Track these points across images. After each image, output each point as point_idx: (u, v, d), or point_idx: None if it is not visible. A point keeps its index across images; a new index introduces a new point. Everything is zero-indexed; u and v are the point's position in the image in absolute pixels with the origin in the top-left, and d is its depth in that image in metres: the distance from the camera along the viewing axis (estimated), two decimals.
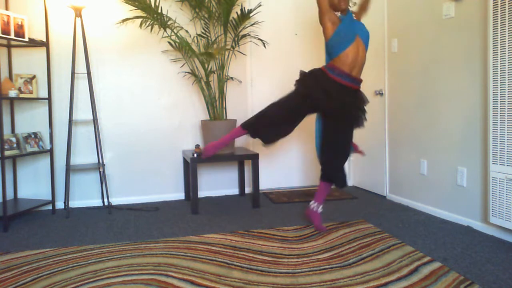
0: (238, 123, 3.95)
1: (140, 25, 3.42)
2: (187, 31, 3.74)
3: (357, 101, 2.75)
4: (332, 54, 2.68)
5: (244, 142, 4.07)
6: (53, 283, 2.04)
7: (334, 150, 2.78)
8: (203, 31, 3.65)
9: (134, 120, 3.77)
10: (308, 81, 2.74)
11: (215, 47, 3.58)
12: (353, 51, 2.62)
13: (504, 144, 2.48)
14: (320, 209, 2.84)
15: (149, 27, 3.42)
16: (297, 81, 2.80)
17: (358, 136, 4.17)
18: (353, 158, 4.31)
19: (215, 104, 3.63)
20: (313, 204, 2.86)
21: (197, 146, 3.54)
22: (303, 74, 2.80)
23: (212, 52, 3.35)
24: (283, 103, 2.78)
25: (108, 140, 3.71)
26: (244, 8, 3.54)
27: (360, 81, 2.74)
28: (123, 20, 3.39)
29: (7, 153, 3.11)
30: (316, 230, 2.80)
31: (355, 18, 2.78)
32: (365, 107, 2.82)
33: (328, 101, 2.64)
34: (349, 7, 2.74)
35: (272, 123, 2.78)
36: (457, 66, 2.91)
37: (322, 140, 2.83)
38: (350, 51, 2.62)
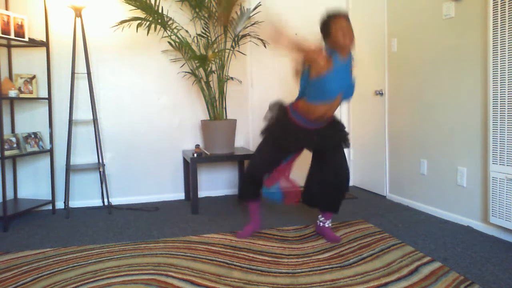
0: (238, 123, 3.97)
1: (137, 28, 3.41)
2: (187, 31, 3.74)
3: (329, 132, 2.54)
4: (304, 93, 2.44)
5: (244, 142, 4.07)
6: (53, 283, 2.04)
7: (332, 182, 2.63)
8: (203, 31, 3.65)
9: (134, 120, 3.77)
10: (276, 134, 2.56)
11: (210, 52, 3.57)
12: (326, 108, 2.38)
13: (504, 144, 2.48)
14: (328, 224, 2.69)
15: (149, 28, 3.41)
16: (263, 133, 2.64)
17: (358, 135, 4.17)
18: (353, 158, 4.31)
19: (215, 104, 3.63)
20: (320, 219, 2.70)
21: (197, 146, 3.54)
22: (268, 126, 2.62)
23: (208, 56, 3.33)
24: (261, 161, 2.64)
25: (108, 140, 3.71)
26: (243, 7, 3.54)
27: (330, 118, 2.53)
28: (121, 22, 3.38)
29: (7, 153, 3.11)
30: (332, 242, 2.60)
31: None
32: (343, 130, 2.62)
33: (297, 143, 2.52)
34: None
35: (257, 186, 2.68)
36: (457, 66, 2.91)
37: (317, 176, 2.70)
38: (323, 107, 2.37)
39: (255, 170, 2.67)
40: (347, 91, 2.44)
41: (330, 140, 2.56)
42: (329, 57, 2.31)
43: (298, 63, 2.45)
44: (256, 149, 2.74)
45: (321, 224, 2.70)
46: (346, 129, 2.67)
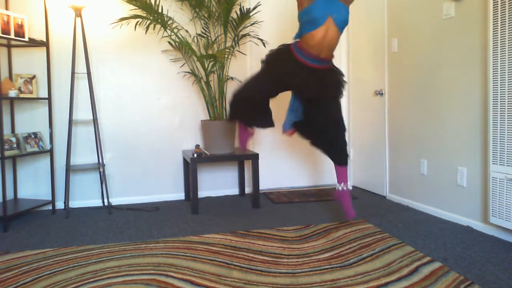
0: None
1: (135, 26, 3.41)
2: (187, 31, 3.74)
3: (327, 80, 2.69)
4: (300, 31, 2.63)
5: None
6: (53, 283, 2.04)
7: (325, 133, 2.79)
8: (203, 30, 3.65)
9: (134, 120, 3.77)
10: (275, 65, 2.70)
11: (216, 50, 3.58)
12: (320, 33, 2.52)
13: (504, 144, 2.49)
14: (345, 188, 2.79)
15: (147, 27, 3.41)
16: (264, 62, 2.76)
17: (358, 135, 4.17)
18: (353, 158, 4.32)
19: (215, 104, 3.63)
20: (339, 186, 2.82)
21: (197, 146, 3.54)
22: (269, 55, 2.76)
23: (216, 54, 3.34)
24: (253, 86, 2.79)
25: (108, 140, 3.71)
26: (243, 7, 3.54)
27: (330, 59, 2.67)
28: (120, 20, 3.38)
29: (7, 153, 3.11)
30: (347, 213, 2.73)
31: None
32: (342, 81, 2.77)
33: (298, 85, 2.64)
34: None
35: (248, 107, 2.86)
36: (457, 66, 2.91)
37: (311, 127, 2.86)
38: (317, 32, 2.51)
39: (246, 93, 2.81)
40: (338, 14, 2.52)
41: (326, 89, 2.67)
42: None
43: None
44: (251, 76, 2.85)
45: (340, 188, 2.80)
46: (345, 78, 2.77)
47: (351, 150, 4.33)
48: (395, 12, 3.56)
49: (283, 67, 2.67)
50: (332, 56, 2.69)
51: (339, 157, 2.85)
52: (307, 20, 2.53)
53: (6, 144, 3.14)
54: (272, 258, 2.33)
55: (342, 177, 2.83)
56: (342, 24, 2.58)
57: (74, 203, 3.64)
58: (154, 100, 3.82)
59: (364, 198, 3.77)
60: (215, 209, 3.50)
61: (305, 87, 2.66)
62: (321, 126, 2.79)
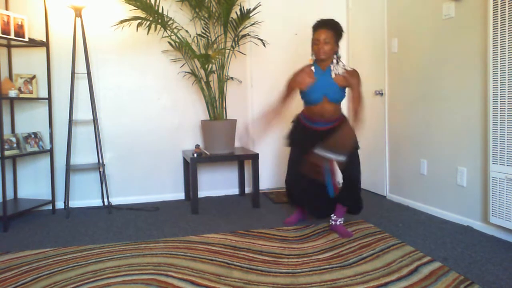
0: (238, 123, 3.96)
1: (137, 27, 3.41)
2: (187, 31, 3.74)
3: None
4: (303, 101, 2.80)
5: (244, 142, 4.06)
6: (53, 283, 2.04)
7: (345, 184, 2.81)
8: (203, 31, 3.65)
9: (134, 120, 3.77)
10: (294, 137, 2.88)
11: (215, 49, 3.58)
12: (318, 108, 2.69)
13: (504, 144, 2.48)
14: (340, 222, 2.79)
15: (148, 28, 3.41)
16: (286, 141, 2.94)
17: (358, 135, 4.16)
18: None
19: (215, 104, 3.63)
20: (332, 218, 2.81)
21: (197, 146, 3.54)
22: (288, 133, 2.95)
23: (210, 54, 3.34)
24: (292, 167, 2.89)
25: (108, 140, 3.71)
26: (243, 8, 3.54)
27: (334, 120, 2.72)
28: (120, 22, 3.38)
29: (7, 153, 3.10)
30: (344, 237, 2.68)
31: (336, 78, 2.65)
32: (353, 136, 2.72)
33: (307, 143, 2.69)
34: (338, 57, 2.67)
35: (300, 190, 2.89)
36: (457, 66, 2.91)
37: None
38: (315, 107, 2.69)
39: (291, 176, 2.92)
40: (332, 95, 2.66)
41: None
42: (310, 75, 2.68)
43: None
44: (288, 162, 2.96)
45: (333, 222, 2.80)
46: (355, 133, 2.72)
47: None
48: (395, 12, 3.56)
49: (298, 135, 2.84)
50: (337, 116, 2.74)
51: (358, 207, 2.84)
52: (305, 99, 2.74)
53: (6, 144, 3.14)
54: (272, 258, 2.33)
55: (341, 214, 2.81)
56: (337, 100, 2.70)
57: (74, 203, 3.64)
58: (154, 100, 3.82)
59: (364, 198, 3.73)
60: (215, 209, 3.50)
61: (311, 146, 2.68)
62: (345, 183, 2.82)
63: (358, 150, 2.78)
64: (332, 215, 2.81)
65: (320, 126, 2.74)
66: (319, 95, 2.66)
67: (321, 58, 2.62)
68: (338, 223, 2.79)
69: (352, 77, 2.65)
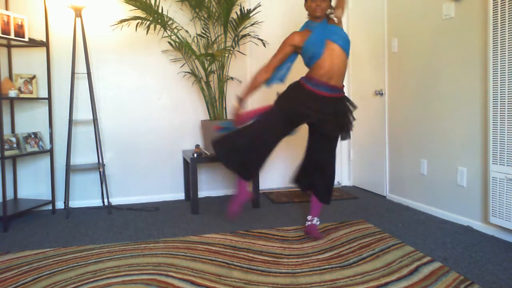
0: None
1: (136, 27, 3.41)
2: (187, 31, 3.74)
3: (339, 111, 2.62)
4: (307, 63, 2.63)
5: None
6: (53, 283, 2.04)
7: (320, 170, 2.72)
8: (203, 31, 3.65)
9: (134, 120, 3.77)
10: (287, 98, 2.65)
11: (215, 49, 3.58)
12: (328, 60, 2.51)
13: (504, 144, 2.48)
14: (316, 222, 2.73)
15: (148, 28, 3.41)
16: (275, 101, 2.70)
17: (359, 136, 4.17)
18: (353, 158, 4.31)
19: (215, 104, 3.63)
20: (312, 220, 2.73)
21: (197, 146, 3.54)
22: (280, 94, 2.72)
23: (214, 53, 3.34)
24: (264, 125, 2.68)
25: (108, 140, 3.71)
26: (243, 8, 3.54)
27: (341, 88, 2.62)
28: (120, 22, 3.38)
29: (7, 153, 3.10)
30: (314, 239, 2.64)
31: (332, 23, 2.61)
32: (353, 114, 2.69)
33: (309, 114, 2.55)
34: (329, 14, 2.61)
35: (247, 148, 2.68)
36: (457, 66, 2.91)
37: (307, 159, 2.79)
38: (324, 60, 2.51)
39: (247, 137, 2.70)
40: (337, 36, 2.53)
41: (335, 125, 2.60)
42: (305, 32, 2.60)
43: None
44: (256, 120, 2.73)
45: (308, 223, 2.73)
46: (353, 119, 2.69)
47: (351, 150, 4.33)
48: (395, 12, 3.56)
49: (296, 99, 2.60)
50: (342, 85, 2.63)
51: (326, 196, 2.75)
52: (309, 57, 2.56)
53: (6, 144, 3.14)
54: (272, 258, 2.33)
55: (316, 211, 2.75)
56: (345, 45, 2.55)
57: (74, 203, 3.64)
58: (154, 100, 3.82)
59: (364, 198, 3.77)
60: (215, 209, 3.50)
61: (319, 116, 2.56)
62: (320, 164, 2.72)
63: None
64: (308, 215, 2.74)
65: (326, 91, 2.53)
66: (321, 39, 2.51)
67: (317, 15, 2.56)
68: (314, 222, 2.72)
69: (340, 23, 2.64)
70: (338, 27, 2.60)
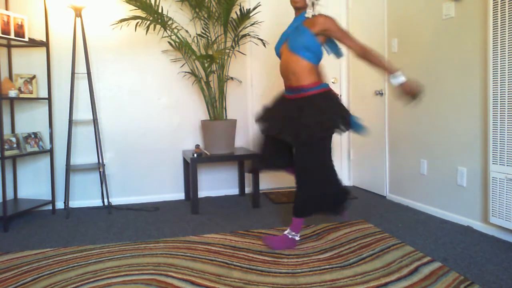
0: (238, 123, 3.96)
1: (136, 26, 3.41)
2: (187, 31, 3.74)
3: (300, 112, 2.34)
4: None
5: (244, 142, 4.07)
6: (53, 283, 2.04)
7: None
8: (203, 31, 3.65)
9: (134, 120, 3.77)
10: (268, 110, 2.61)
11: (215, 49, 3.58)
12: (282, 59, 2.46)
13: (504, 144, 2.48)
14: (292, 235, 2.48)
15: (147, 28, 3.41)
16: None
17: (359, 135, 4.17)
18: (353, 158, 4.31)
19: (215, 104, 3.63)
20: (291, 234, 2.48)
21: (197, 146, 3.54)
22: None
23: (213, 54, 3.34)
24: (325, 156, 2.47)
25: (108, 140, 3.71)
26: (243, 8, 3.54)
27: (300, 88, 2.36)
28: (119, 21, 3.38)
29: (7, 153, 3.11)
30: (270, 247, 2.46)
31: (307, 17, 2.40)
32: (321, 115, 2.31)
33: (271, 122, 2.46)
34: (313, 3, 2.40)
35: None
36: (457, 66, 2.91)
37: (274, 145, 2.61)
38: (280, 61, 2.48)
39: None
40: (292, 40, 2.37)
41: (290, 127, 2.36)
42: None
43: None
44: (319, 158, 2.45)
45: (290, 236, 2.49)
46: (330, 115, 2.33)
47: (351, 150, 4.33)
48: (395, 12, 3.56)
49: (272, 105, 2.58)
50: (302, 84, 2.36)
51: (296, 207, 2.47)
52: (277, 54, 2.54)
53: (6, 144, 3.14)
54: (272, 258, 2.33)
55: (296, 227, 2.47)
56: (295, 46, 2.34)
57: (74, 203, 3.64)
58: (154, 100, 3.82)
59: (364, 198, 3.77)
60: (215, 209, 3.50)
61: (270, 120, 2.46)
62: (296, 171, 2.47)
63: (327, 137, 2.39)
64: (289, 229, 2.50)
65: (287, 93, 2.44)
66: (282, 37, 2.43)
67: (296, 6, 2.43)
68: (285, 233, 2.49)
69: (320, 17, 2.35)
70: (303, 29, 2.36)
